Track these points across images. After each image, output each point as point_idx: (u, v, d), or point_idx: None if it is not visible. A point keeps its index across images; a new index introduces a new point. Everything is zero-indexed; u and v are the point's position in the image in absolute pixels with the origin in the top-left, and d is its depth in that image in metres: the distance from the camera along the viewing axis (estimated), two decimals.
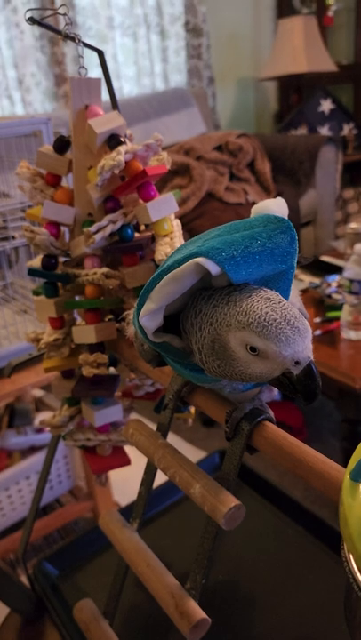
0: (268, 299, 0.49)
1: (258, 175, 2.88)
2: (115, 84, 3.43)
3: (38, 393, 1.80)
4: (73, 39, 0.74)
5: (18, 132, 1.34)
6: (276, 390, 0.66)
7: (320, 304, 1.94)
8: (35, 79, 3.15)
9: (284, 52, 3.45)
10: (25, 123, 1.34)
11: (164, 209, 0.74)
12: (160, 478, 0.72)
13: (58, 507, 1.69)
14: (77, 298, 0.83)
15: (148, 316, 0.53)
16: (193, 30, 3.59)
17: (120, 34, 3.41)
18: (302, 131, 3.56)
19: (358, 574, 0.33)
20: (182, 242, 0.75)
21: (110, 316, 0.85)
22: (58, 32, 0.74)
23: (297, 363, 0.49)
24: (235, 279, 0.49)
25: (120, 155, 0.71)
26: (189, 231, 2.62)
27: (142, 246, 0.77)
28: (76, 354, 0.82)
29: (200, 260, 0.48)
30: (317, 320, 1.85)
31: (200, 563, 0.61)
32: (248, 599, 0.85)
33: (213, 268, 0.48)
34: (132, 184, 0.73)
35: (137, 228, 0.83)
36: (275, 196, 2.45)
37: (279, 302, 0.49)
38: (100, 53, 0.78)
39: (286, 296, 0.55)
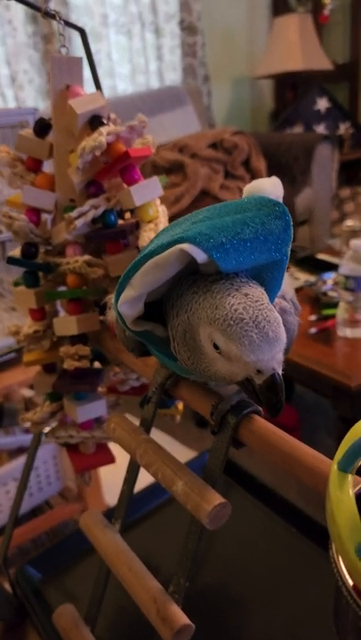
0: (246, 295, 0.45)
1: (253, 173, 2.85)
2: (109, 82, 3.41)
3: (28, 393, 1.76)
4: (53, 17, 0.71)
5: (4, 122, 1.31)
6: None
7: (316, 302, 1.90)
8: (27, 76, 3.12)
9: (280, 50, 3.42)
10: (12, 113, 1.30)
11: (148, 193, 0.70)
12: (148, 479, 0.68)
13: (47, 509, 1.65)
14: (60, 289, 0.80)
15: (127, 303, 0.49)
16: (188, 28, 3.55)
17: (114, 31, 3.37)
18: (298, 129, 3.53)
19: (348, 577, 0.30)
20: None
21: (95, 309, 0.81)
22: (37, 9, 0.70)
23: (260, 372, 0.45)
24: (223, 268, 0.45)
25: (101, 135, 0.67)
26: None
27: (126, 233, 0.73)
28: (58, 347, 0.79)
29: (185, 246, 0.44)
30: (313, 318, 1.81)
31: (184, 565, 0.57)
32: (238, 602, 0.81)
33: (200, 256, 0.44)
34: (115, 166, 0.70)
35: (121, 216, 0.79)
36: None
37: (257, 301, 0.44)
38: (82, 32, 0.74)
39: (279, 285, 0.51)
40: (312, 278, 2.06)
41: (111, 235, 0.73)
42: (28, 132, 0.74)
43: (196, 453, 1.20)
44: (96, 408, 0.77)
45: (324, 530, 0.90)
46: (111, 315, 0.61)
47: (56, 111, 0.72)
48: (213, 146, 2.79)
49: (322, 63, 3.46)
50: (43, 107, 3.26)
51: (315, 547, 0.90)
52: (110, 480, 1.69)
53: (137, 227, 0.75)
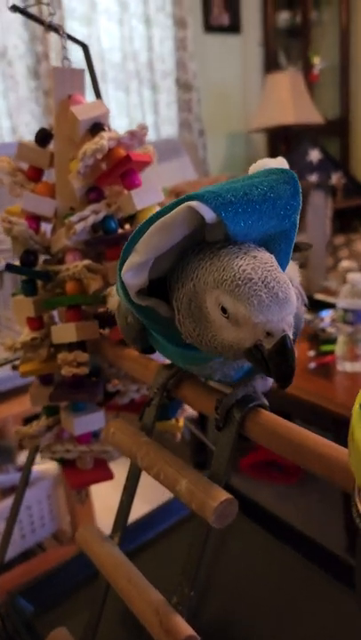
0: (255, 257, 0.43)
1: None
2: None
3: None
4: (57, 30, 0.73)
5: None
6: (270, 381, 0.60)
7: (314, 338, 1.89)
8: (29, 128, 3.22)
9: (272, 105, 3.56)
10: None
11: (148, 197, 0.70)
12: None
13: (40, 551, 1.57)
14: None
15: (132, 271, 0.47)
16: (184, 85, 3.71)
17: (113, 87, 3.51)
18: None
19: None
20: None
21: (94, 320, 0.80)
22: (40, 22, 0.73)
23: (269, 334, 0.43)
24: (232, 230, 0.44)
25: (103, 139, 0.68)
26: None
27: (126, 239, 0.73)
28: (55, 358, 0.77)
29: (193, 203, 0.43)
30: (312, 354, 1.80)
31: (188, 573, 0.53)
32: (245, 631, 0.75)
33: (208, 214, 0.43)
34: (116, 171, 0.70)
35: (121, 226, 0.79)
36: None
37: (266, 263, 0.43)
38: (85, 47, 0.76)
39: (287, 259, 0.50)
40: (310, 317, 2.06)
41: (111, 241, 0.72)
42: (30, 141, 0.75)
43: None
44: (94, 420, 0.75)
45: (332, 556, 0.86)
46: (113, 301, 0.59)
47: (58, 120, 0.73)
48: None
49: (313, 117, 3.59)
50: None
51: (323, 573, 0.85)
52: (105, 508, 1.62)
53: None
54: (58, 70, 0.72)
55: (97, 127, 0.71)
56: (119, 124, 3.60)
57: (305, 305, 0.57)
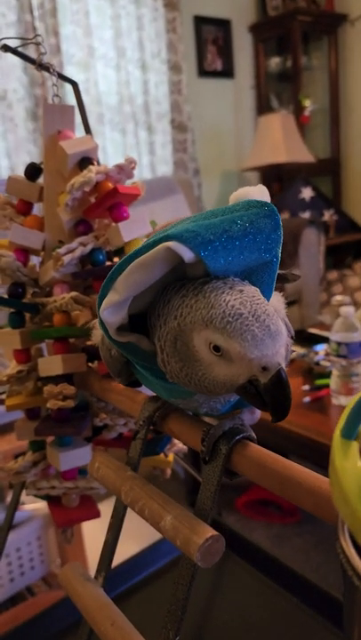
0: (241, 291, 0.43)
1: None
2: None
3: None
4: (47, 69, 0.75)
5: None
6: (258, 413, 0.59)
7: (308, 373, 1.88)
8: None
9: (265, 145, 3.64)
10: None
11: (136, 229, 0.70)
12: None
13: (29, 596, 1.51)
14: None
15: (110, 308, 0.47)
16: (178, 127, 3.79)
17: (110, 129, 3.59)
18: (285, 216, 3.67)
19: (359, 562, 0.26)
20: None
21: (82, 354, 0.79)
22: (32, 61, 0.74)
23: (265, 369, 0.42)
24: (212, 268, 0.43)
25: (91, 172, 0.69)
26: None
27: None
28: (42, 392, 0.75)
29: (171, 244, 0.42)
30: (306, 388, 1.78)
31: (173, 615, 0.51)
32: None
33: (187, 254, 0.42)
34: (104, 203, 0.70)
35: (110, 259, 0.79)
36: None
37: (253, 296, 0.42)
38: (74, 85, 0.78)
39: (270, 290, 0.49)
40: (304, 351, 2.05)
41: (99, 273, 0.72)
42: (19, 175, 0.76)
43: None
44: (80, 455, 0.73)
45: (332, 600, 0.83)
46: (97, 334, 0.59)
47: (47, 154, 0.74)
48: None
49: (305, 156, 3.67)
50: None
51: (321, 619, 0.82)
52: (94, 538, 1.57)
53: None
54: (48, 106, 0.73)
55: (85, 161, 0.72)
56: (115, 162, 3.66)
57: (291, 337, 0.56)
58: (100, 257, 0.73)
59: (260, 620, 0.83)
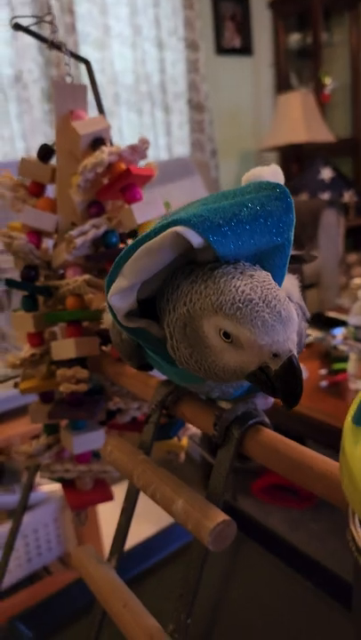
0: (252, 276, 0.42)
1: None
2: None
3: None
4: (59, 48, 0.73)
5: None
6: (271, 398, 0.58)
7: (326, 357, 1.86)
8: None
9: (284, 124, 3.58)
10: None
11: (149, 211, 0.69)
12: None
13: (46, 575, 1.53)
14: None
15: (118, 294, 0.46)
16: (196, 106, 3.74)
17: (126, 109, 3.56)
18: (304, 197, 3.62)
19: None
20: None
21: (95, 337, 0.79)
22: (44, 40, 0.73)
23: (275, 355, 0.41)
24: (221, 252, 0.42)
25: (103, 153, 0.67)
26: None
27: None
28: (56, 375, 0.75)
29: (179, 229, 0.41)
30: (323, 372, 1.76)
31: (185, 599, 0.51)
32: None
33: (195, 239, 0.41)
34: (117, 184, 0.69)
35: (123, 241, 0.78)
36: None
37: (264, 281, 0.41)
38: (87, 63, 0.76)
39: (282, 274, 0.48)
40: (321, 334, 2.03)
41: (112, 255, 0.71)
42: (32, 156, 0.75)
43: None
44: (94, 439, 0.73)
45: (341, 584, 0.82)
46: (107, 318, 0.58)
47: (59, 135, 0.73)
48: None
49: (325, 136, 3.60)
50: None
51: (335, 604, 0.82)
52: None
53: None
54: (59, 85, 0.72)
55: (98, 142, 0.70)
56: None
57: (306, 320, 0.55)
58: (114, 239, 0.72)
59: (273, 603, 0.84)
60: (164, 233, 0.42)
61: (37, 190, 0.76)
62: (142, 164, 0.75)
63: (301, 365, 0.42)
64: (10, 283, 0.72)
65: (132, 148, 0.71)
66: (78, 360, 0.71)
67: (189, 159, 3.58)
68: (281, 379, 0.41)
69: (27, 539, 1.47)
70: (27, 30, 0.71)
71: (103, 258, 0.72)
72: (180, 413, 0.59)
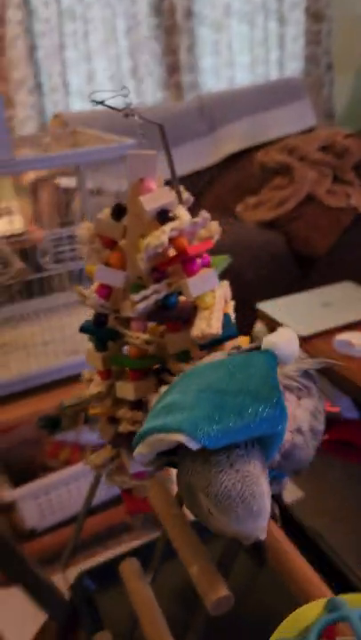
0: (238, 470, 0.50)
1: None
2: (228, 73, 3.41)
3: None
4: (133, 115, 0.78)
5: (107, 156, 1.41)
6: (284, 483, 0.68)
7: None
8: (148, 69, 3.21)
9: None
10: (114, 149, 1.40)
11: (204, 285, 0.77)
12: None
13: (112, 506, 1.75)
14: (126, 348, 0.89)
15: (140, 455, 0.57)
16: (314, 15, 3.43)
17: (237, 21, 3.35)
18: None
19: None
20: (220, 317, 0.78)
21: (157, 365, 0.90)
22: (118, 110, 0.78)
23: (245, 538, 0.52)
24: (215, 447, 0.50)
25: (164, 234, 0.74)
26: (286, 233, 2.59)
27: (184, 314, 0.81)
28: (121, 403, 0.89)
29: (182, 438, 0.50)
30: None
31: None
32: None
33: (194, 445, 0.50)
34: (175, 261, 0.77)
35: None
36: None
37: (246, 476, 0.50)
38: (161, 127, 0.81)
39: (274, 449, 0.55)
40: None
41: (170, 318, 0.80)
42: (106, 214, 0.83)
43: None
44: None
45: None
46: None
47: (131, 200, 0.80)
48: (324, 149, 2.73)
49: None
50: (161, 97, 3.34)
51: None
52: None
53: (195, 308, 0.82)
54: (132, 156, 0.78)
55: (163, 214, 0.77)
56: (241, 60, 3.47)
57: (317, 435, 0.63)
58: (172, 300, 0.81)
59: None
60: (170, 435, 0.51)
61: (110, 244, 0.85)
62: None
63: None
64: (84, 329, 0.85)
65: (194, 223, 0.77)
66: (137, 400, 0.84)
67: (299, 80, 3.37)
68: (250, 550, 0.52)
69: None
70: (105, 105, 0.76)
71: (162, 319, 0.81)
72: None
